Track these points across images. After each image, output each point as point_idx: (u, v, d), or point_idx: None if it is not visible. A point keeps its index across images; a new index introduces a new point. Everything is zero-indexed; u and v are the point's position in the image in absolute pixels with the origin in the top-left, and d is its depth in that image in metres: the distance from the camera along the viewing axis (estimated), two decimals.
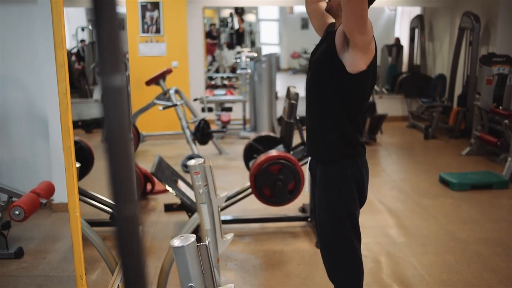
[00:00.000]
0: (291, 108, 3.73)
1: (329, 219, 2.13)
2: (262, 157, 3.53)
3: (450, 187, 4.98)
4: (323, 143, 2.13)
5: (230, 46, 13.95)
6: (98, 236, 3.03)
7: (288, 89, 3.79)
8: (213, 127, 7.02)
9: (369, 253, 3.57)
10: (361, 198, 2.14)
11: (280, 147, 3.94)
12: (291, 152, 3.84)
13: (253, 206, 4.22)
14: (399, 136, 7.66)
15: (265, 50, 13.86)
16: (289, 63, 14.96)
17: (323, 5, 2.17)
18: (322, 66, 2.07)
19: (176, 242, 1.67)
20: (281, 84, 10.79)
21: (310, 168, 2.29)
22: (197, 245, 1.67)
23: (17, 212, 3.25)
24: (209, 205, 2.64)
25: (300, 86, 12.41)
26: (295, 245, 3.73)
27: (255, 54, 7.32)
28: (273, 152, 3.57)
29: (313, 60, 2.15)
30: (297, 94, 3.76)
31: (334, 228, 2.13)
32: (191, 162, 2.54)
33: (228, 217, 4.02)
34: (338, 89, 2.03)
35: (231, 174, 5.59)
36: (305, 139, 3.91)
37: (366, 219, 4.13)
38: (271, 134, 4.22)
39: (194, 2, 7.70)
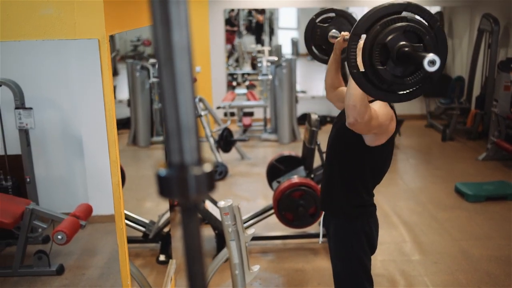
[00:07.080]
0: (312, 134, 3.93)
1: (343, 271, 2.36)
2: (285, 183, 3.75)
3: (466, 198, 5.15)
4: (337, 201, 2.32)
5: (249, 29, 14.09)
6: (132, 264, 3.30)
7: (309, 116, 3.99)
8: (235, 129, 7.24)
9: (385, 272, 3.81)
10: (372, 250, 2.36)
11: (301, 169, 4.16)
12: (312, 175, 4.06)
13: (275, 220, 4.44)
14: (417, 137, 7.79)
15: (284, 36, 13.93)
16: None
17: (342, 89, 2.35)
18: (342, 134, 2.24)
19: None
20: (300, 70, 10.72)
21: (323, 222, 2.48)
22: None
23: (60, 237, 3.55)
24: (237, 242, 2.89)
25: (318, 73, 11.97)
26: (315, 262, 3.97)
27: (276, 58, 7.48)
28: (295, 179, 3.79)
29: (336, 122, 2.33)
30: (317, 121, 3.96)
31: (348, 279, 2.36)
32: (221, 204, 2.80)
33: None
34: (355, 157, 2.21)
35: (254, 182, 5.82)
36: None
37: (383, 234, 4.31)
38: (293, 153, 4.43)
39: (215, 5, 7.85)
